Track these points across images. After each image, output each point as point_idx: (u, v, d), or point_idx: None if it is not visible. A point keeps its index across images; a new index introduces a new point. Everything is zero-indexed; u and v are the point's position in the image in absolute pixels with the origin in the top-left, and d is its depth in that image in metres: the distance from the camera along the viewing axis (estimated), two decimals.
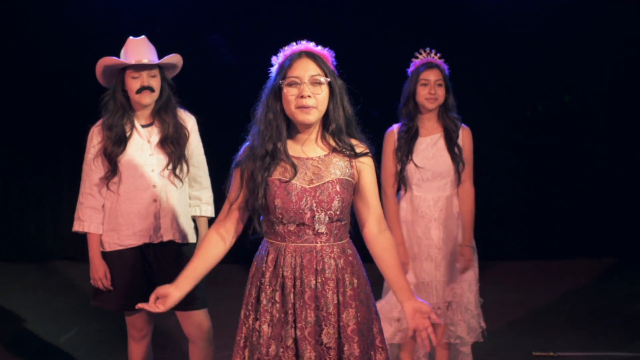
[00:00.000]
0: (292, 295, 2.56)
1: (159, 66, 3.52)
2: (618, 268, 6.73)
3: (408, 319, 2.61)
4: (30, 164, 7.00)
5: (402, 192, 3.94)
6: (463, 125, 3.92)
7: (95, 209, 3.54)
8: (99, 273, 3.52)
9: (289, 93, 2.54)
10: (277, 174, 2.57)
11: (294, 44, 2.62)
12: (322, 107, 2.56)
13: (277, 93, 2.57)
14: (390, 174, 3.89)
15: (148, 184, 3.51)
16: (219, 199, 2.74)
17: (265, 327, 2.57)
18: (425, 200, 3.88)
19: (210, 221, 3.64)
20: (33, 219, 7.06)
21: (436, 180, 3.87)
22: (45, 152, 6.97)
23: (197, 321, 3.60)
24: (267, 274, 2.60)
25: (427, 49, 3.93)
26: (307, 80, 2.53)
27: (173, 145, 3.52)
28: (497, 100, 6.83)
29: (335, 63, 2.62)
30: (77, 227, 3.56)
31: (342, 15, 6.67)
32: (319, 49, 2.61)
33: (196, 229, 3.70)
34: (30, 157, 7.00)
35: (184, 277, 2.62)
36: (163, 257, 3.55)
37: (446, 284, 3.87)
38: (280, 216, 2.56)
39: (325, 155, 2.61)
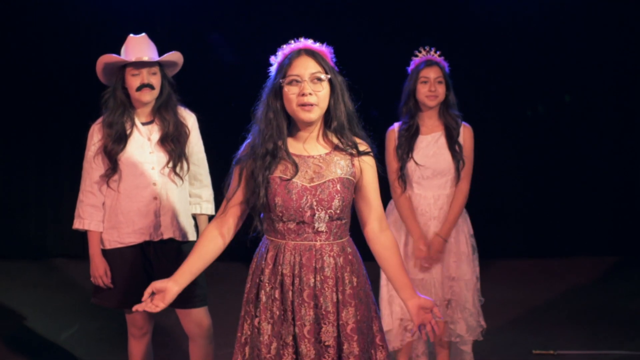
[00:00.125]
0: (290, 293, 2.56)
1: (160, 64, 3.52)
2: (618, 266, 6.73)
3: (413, 316, 2.61)
4: (30, 162, 7.01)
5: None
6: (464, 123, 3.92)
7: (95, 207, 3.54)
8: (99, 271, 3.52)
9: (290, 92, 2.54)
10: (278, 172, 2.57)
11: (292, 42, 2.62)
12: (324, 104, 2.56)
13: (278, 92, 2.57)
14: (394, 172, 3.89)
15: (148, 181, 3.51)
16: (220, 197, 2.74)
17: (265, 325, 2.58)
18: (425, 198, 3.88)
19: (210, 219, 3.64)
20: (33, 217, 7.06)
21: (436, 178, 3.88)
22: (46, 150, 6.97)
23: (197, 319, 3.60)
24: (267, 272, 2.60)
25: (427, 47, 3.94)
26: (308, 77, 2.53)
27: (173, 143, 3.52)
28: (497, 100, 6.83)
29: (334, 59, 2.62)
30: (77, 224, 3.57)
31: (342, 15, 6.67)
32: (317, 46, 2.61)
33: (196, 226, 3.71)
34: (30, 155, 7.00)
35: (181, 272, 2.61)
36: (163, 254, 3.56)
37: (445, 282, 3.87)
38: (281, 214, 2.57)
39: (326, 154, 2.61)
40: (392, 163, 3.89)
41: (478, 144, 3.96)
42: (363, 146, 2.64)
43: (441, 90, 3.85)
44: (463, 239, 3.92)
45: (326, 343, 2.55)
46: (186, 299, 3.09)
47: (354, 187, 2.64)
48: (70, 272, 6.58)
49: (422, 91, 3.84)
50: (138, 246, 3.55)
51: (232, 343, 2.72)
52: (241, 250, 2.92)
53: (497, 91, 6.84)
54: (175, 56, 3.56)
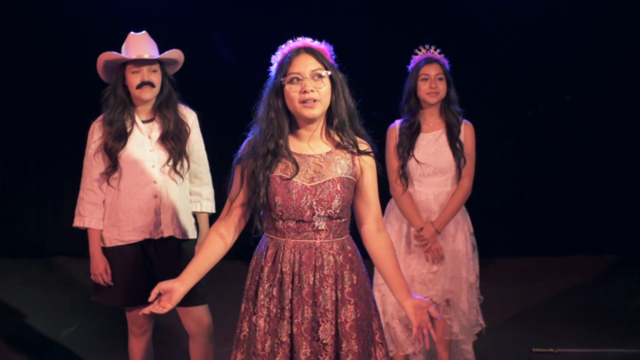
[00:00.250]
0: (289, 291, 2.56)
1: (160, 61, 3.52)
2: (618, 265, 6.73)
3: (410, 317, 2.61)
4: (31, 160, 7.01)
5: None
6: (465, 120, 3.93)
7: (95, 205, 3.54)
8: (100, 268, 3.53)
9: (292, 90, 2.54)
10: (279, 171, 2.57)
11: (291, 41, 2.63)
12: (326, 101, 2.56)
13: (279, 91, 2.57)
14: (394, 170, 3.89)
15: (148, 179, 3.51)
16: (220, 195, 2.74)
17: (261, 322, 2.58)
18: (426, 196, 3.88)
19: (211, 217, 3.64)
20: (34, 215, 7.06)
21: (437, 175, 3.88)
22: (46, 149, 6.97)
23: (198, 317, 3.61)
24: (266, 269, 2.60)
25: (427, 45, 3.94)
26: (308, 75, 2.53)
27: (174, 141, 3.52)
28: (498, 100, 6.83)
29: (334, 56, 2.62)
30: (77, 222, 3.57)
31: (342, 15, 6.67)
32: (316, 43, 2.61)
33: (197, 224, 3.71)
34: (31, 154, 7.00)
35: (187, 272, 2.62)
36: (163, 253, 3.56)
37: (445, 280, 3.87)
38: (280, 213, 2.57)
39: (327, 153, 2.61)
40: (393, 161, 3.89)
41: (478, 143, 3.96)
42: (364, 146, 2.64)
43: (442, 87, 3.85)
44: (463, 237, 3.92)
45: (324, 341, 2.55)
46: (187, 297, 3.07)
47: (354, 186, 2.64)
48: (70, 270, 6.58)
49: (423, 88, 3.85)
50: (138, 244, 3.55)
51: (232, 341, 2.73)
52: (242, 248, 2.92)
53: (497, 91, 6.84)
54: (175, 54, 3.56)
